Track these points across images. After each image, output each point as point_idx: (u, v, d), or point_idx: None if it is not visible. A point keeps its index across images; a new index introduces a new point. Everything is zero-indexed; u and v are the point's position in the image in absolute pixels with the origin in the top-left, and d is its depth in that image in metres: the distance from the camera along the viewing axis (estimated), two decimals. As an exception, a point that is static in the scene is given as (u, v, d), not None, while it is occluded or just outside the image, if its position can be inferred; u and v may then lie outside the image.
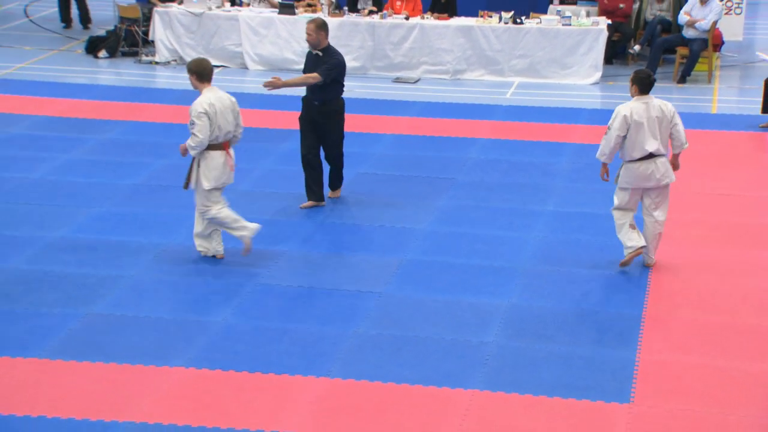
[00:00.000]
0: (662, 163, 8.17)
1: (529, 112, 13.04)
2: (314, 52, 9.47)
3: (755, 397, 6.58)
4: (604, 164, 8.36)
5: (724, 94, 14.02)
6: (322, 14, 14.75)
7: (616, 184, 8.36)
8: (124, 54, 15.40)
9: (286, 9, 14.74)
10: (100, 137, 11.56)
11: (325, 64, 9.37)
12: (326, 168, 9.77)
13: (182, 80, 14.23)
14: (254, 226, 8.41)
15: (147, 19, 15.21)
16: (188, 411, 6.30)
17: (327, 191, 9.80)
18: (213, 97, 8.24)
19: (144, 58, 15.16)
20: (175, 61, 15.03)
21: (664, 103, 8.17)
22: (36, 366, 6.74)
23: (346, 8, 14.94)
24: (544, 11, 15.36)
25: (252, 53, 14.86)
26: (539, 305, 7.78)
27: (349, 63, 14.88)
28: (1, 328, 7.21)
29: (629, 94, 8.19)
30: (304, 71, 9.57)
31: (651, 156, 8.11)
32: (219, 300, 7.73)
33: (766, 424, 6.30)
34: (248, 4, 15.35)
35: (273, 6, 15.17)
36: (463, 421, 6.26)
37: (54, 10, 18.13)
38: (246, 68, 14.88)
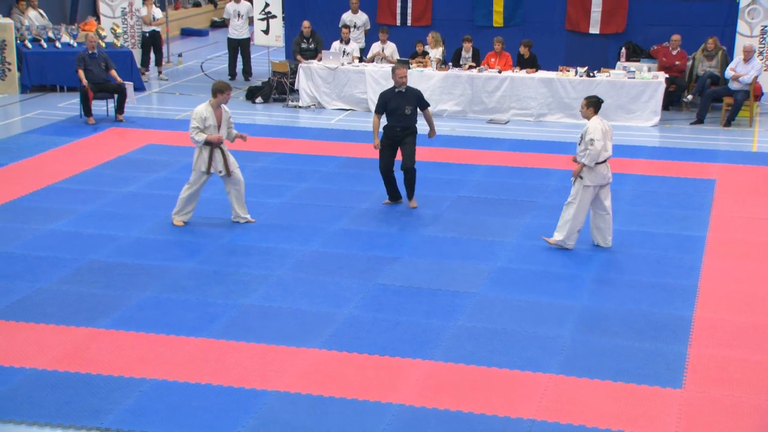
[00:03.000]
0: (608, 166, 8.54)
1: (598, 148, 12.78)
2: (397, 90, 9.87)
3: (790, 388, 6.28)
4: (582, 165, 8.49)
5: (763, 136, 13.50)
6: (431, 68, 14.76)
7: (573, 183, 8.52)
8: (275, 100, 15.69)
9: (402, 64, 14.77)
10: (255, 165, 11.79)
11: (416, 97, 9.95)
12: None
13: (319, 121, 14.45)
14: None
15: (293, 72, 15.48)
16: (320, 384, 6.35)
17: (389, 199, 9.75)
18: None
19: (290, 103, 15.42)
20: (314, 105, 15.25)
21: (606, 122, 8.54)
22: (204, 344, 6.89)
23: (450, 63, 14.93)
24: (613, 67, 15.11)
25: (374, 99, 14.92)
26: (606, 306, 7.59)
27: (451, 108, 14.89)
28: (179, 313, 7.40)
29: (585, 116, 8.54)
30: (387, 107, 9.91)
31: (606, 159, 8.45)
32: (346, 296, 7.77)
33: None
34: (372, 61, 15.48)
35: (392, 62, 15.26)
36: (541, 399, 6.15)
37: (222, 66, 18.66)
38: (369, 111, 14.98)
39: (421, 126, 10.34)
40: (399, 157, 10.16)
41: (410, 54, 15.57)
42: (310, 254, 8.76)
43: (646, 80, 14.10)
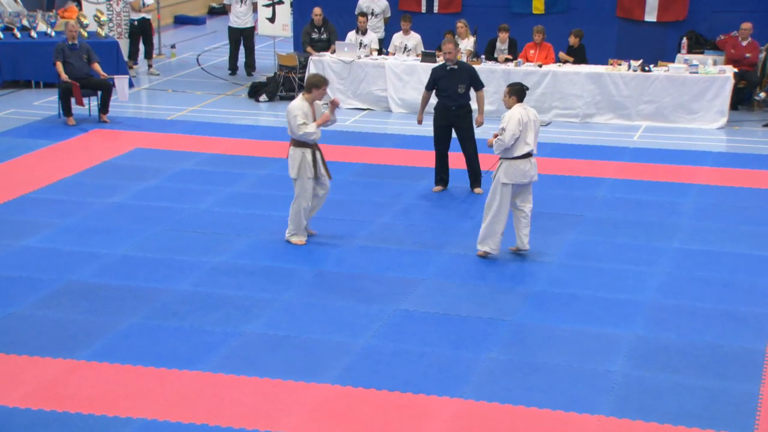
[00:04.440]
0: (534, 164, 8.75)
1: (655, 154, 12.76)
2: (449, 66, 10.57)
3: None
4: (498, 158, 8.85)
5: None
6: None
7: (492, 179, 8.75)
8: (282, 98, 15.77)
9: (428, 57, 14.85)
10: (258, 173, 11.85)
11: (470, 74, 10.69)
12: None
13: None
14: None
15: (303, 66, 15.56)
16: (332, 425, 6.35)
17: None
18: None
19: (299, 102, 15.48)
20: (326, 105, 15.26)
21: (532, 110, 8.78)
22: (200, 378, 6.92)
23: (483, 56, 14.95)
24: (672, 60, 15.07)
25: (396, 97, 15.02)
26: (663, 337, 7.56)
27: (484, 106, 14.87)
28: (171, 343, 7.43)
29: (506, 105, 8.71)
30: (438, 86, 10.75)
31: (528, 155, 8.66)
32: (362, 323, 7.79)
33: None
34: (394, 53, 15.54)
35: (416, 55, 15.31)
36: (588, 445, 6.12)
37: (222, 59, 18.79)
38: (390, 111, 15.04)
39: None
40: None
41: (438, 45, 15.61)
42: (321, 275, 8.79)
43: (711, 75, 14.06)
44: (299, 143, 9.25)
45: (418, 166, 12.10)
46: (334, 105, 9.37)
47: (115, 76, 14.44)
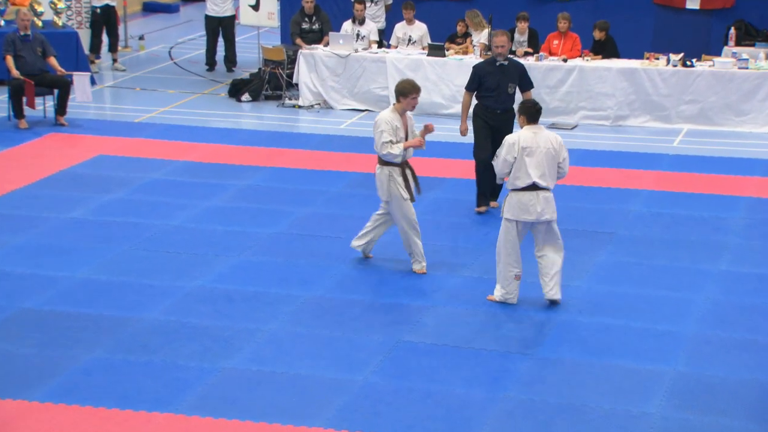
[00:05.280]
0: (545, 198, 8.48)
1: (698, 162, 12.80)
2: (498, 63, 10.60)
3: None
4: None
5: None
6: (474, 56, 14.86)
7: (501, 216, 8.63)
8: (267, 97, 15.82)
9: (436, 51, 14.92)
10: (240, 183, 11.89)
11: (520, 73, 10.67)
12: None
13: (326, 125, 14.55)
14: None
15: (291, 61, 15.62)
16: (326, 474, 6.36)
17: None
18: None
19: (287, 101, 15.56)
20: (319, 104, 15.38)
21: (553, 135, 8.54)
22: (172, 422, 6.91)
23: (499, 50, 14.97)
24: (718, 53, 15.12)
25: (399, 97, 15.04)
26: (709, 374, 7.57)
27: (502, 108, 14.88)
28: (139, 380, 7.44)
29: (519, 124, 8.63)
30: (487, 85, 10.58)
31: (535, 187, 8.41)
32: (360, 357, 7.80)
33: None
34: (396, 46, 15.61)
35: (422, 48, 15.38)
36: (621, 498, 6.13)
37: (197, 52, 18.84)
38: (393, 113, 15.07)
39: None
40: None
41: (447, 36, 15.70)
42: (313, 301, 8.81)
43: (764, 71, 14.11)
44: (385, 162, 9.16)
45: (425, 176, 12.11)
46: (427, 130, 9.21)
47: (74, 73, 14.49)
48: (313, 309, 8.65)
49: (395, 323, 8.37)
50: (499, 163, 8.56)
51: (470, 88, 10.83)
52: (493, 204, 10.98)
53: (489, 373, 7.59)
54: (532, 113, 8.56)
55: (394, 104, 9.23)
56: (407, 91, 9.06)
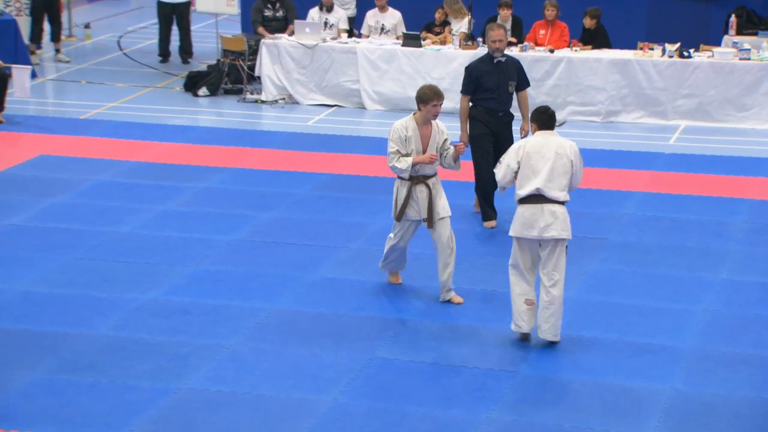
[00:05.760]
0: (551, 212, 8.06)
1: (697, 161, 12.86)
2: (496, 59, 10.53)
3: None
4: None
5: None
6: (453, 46, 14.88)
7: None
8: (227, 92, 15.79)
9: (411, 40, 14.93)
10: (197, 186, 11.85)
11: (518, 70, 10.61)
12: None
13: (291, 122, 14.53)
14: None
15: (253, 52, 15.60)
16: (292, 505, 6.34)
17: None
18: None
19: (249, 96, 15.53)
20: (284, 99, 15.35)
21: (568, 142, 8.26)
22: (121, 447, 6.91)
23: (480, 39, 15.03)
24: (717, 43, 15.20)
25: (371, 91, 15.08)
26: (709, 393, 7.60)
27: (484, 103, 14.90)
28: (85, 403, 7.39)
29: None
30: (485, 85, 10.45)
31: (540, 198, 8.06)
32: (329, 376, 7.79)
33: None
34: (368, 36, 15.61)
35: (396, 37, 15.39)
36: None
37: (149, 42, 18.78)
38: (364, 108, 15.09)
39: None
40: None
41: (424, 25, 15.70)
42: (277, 315, 8.78)
43: (767, 62, 14.19)
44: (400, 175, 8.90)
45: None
46: (457, 152, 8.82)
47: (12, 66, 14.41)
48: (277, 323, 8.63)
49: (367, 338, 8.36)
50: (501, 170, 8.29)
51: (467, 91, 10.61)
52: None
53: (470, 392, 7.59)
54: (545, 119, 8.24)
55: (414, 112, 8.90)
56: (427, 98, 8.67)
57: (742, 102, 14.24)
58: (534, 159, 8.13)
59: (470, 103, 10.66)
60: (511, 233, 8.27)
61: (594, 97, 14.54)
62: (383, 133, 13.89)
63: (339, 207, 11.26)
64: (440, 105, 8.71)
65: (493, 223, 10.71)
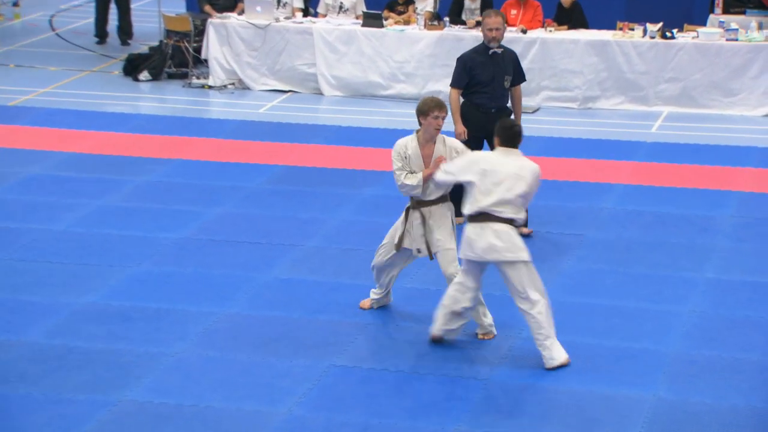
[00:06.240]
0: (493, 232, 7.90)
1: (681, 150, 12.95)
2: (491, 51, 10.40)
3: None
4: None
5: None
6: (418, 26, 14.90)
7: None
8: (171, 76, 15.74)
9: (372, 20, 14.93)
10: (139, 179, 11.81)
11: (514, 63, 10.52)
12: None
13: (241, 109, 14.51)
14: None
15: (199, 33, 15.55)
16: None
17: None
18: None
19: (194, 81, 15.49)
20: (233, 84, 15.32)
21: (530, 165, 8.01)
22: (56, 465, 6.89)
23: (446, 19, 15.07)
24: (703, 23, 15.30)
25: (328, 75, 15.08)
26: (695, 401, 7.66)
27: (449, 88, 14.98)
28: (16, 417, 7.36)
29: None
30: (479, 78, 10.31)
31: (486, 217, 7.91)
32: (284, 385, 7.79)
33: None
34: (325, 15, 15.59)
35: (356, 17, 15.39)
36: None
37: (85, 22, 18.68)
38: (321, 94, 15.09)
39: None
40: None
41: (386, 3, 15.71)
42: (227, 320, 8.78)
43: (756, 43, 14.30)
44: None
45: (359, 169, 12.14)
46: (437, 162, 8.41)
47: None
48: (227, 329, 8.62)
49: (325, 345, 8.37)
50: (445, 177, 8.18)
51: (458, 84, 10.40)
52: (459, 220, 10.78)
53: (437, 402, 7.61)
54: (509, 136, 8.04)
55: (417, 130, 8.59)
56: (427, 108, 8.39)
57: (729, 86, 14.33)
58: (489, 178, 7.95)
59: (461, 98, 10.44)
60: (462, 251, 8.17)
61: (570, 81, 14.60)
62: (341, 120, 13.93)
63: (294, 202, 11.26)
64: (443, 117, 8.42)
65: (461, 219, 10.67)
